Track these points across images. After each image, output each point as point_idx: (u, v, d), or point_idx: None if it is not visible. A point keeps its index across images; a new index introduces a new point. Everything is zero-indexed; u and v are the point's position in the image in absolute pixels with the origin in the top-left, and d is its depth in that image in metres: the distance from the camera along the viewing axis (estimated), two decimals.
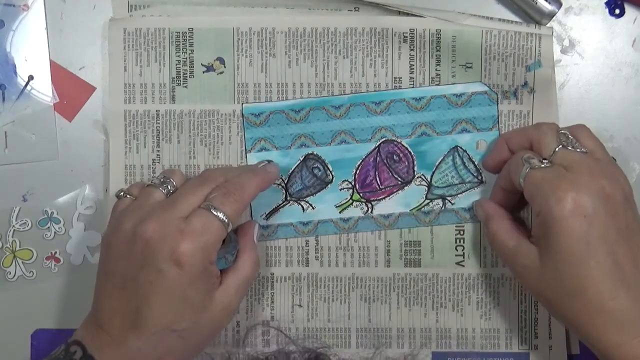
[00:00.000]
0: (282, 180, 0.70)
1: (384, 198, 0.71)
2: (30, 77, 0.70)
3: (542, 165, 0.61)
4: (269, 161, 0.69)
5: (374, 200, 0.71)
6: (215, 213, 0.60)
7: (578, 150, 0.62)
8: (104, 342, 0.59)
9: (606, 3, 0.71)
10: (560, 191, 0.59)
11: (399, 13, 0.70)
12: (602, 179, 0.60)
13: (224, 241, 0.62)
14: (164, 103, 0.71)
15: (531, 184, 0.61)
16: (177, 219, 0.59)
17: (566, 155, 0.62)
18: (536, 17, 0.70)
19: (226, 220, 0.60)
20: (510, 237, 0.64)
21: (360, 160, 0.70)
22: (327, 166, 0.70)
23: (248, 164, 0.70)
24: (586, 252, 0.58)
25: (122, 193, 0.65)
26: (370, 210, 0.71)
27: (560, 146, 0.62)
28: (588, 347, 0.61)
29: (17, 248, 0.71)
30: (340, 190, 0.71)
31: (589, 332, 0.59)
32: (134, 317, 0.58)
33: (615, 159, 0.65)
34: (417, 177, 0.70)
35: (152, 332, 0.58)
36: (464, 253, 0.71)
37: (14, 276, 0.71)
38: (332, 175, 0.71)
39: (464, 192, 0.70)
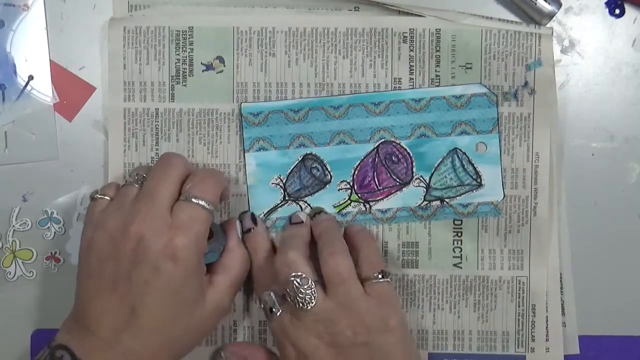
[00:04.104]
0: (281, 180, 0.71)
1: (382, 199, 0.71)
2: (30, 77, 0.70)
3: (274, 313, 0.63)
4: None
5: (372, 201, 0.71)
6: (197, 202, 0.61)
7: (305, 299, 0.62)
8: (94, 346, 0.59)
9: (606, 3, 0.71)
10: (284, 338, 0.63)
11: (399, 13, 0.70)
12: (326, 326, 0.61)
13: (211, 234, 0.64)
14: (163, 101, 0.71)
15: (269, 325, 0.65)
16: (163, 213, 0.60)
17: (291, 305, 0.62)
18: (536, 18, 0.69)
19: (208, 207, 0.61)
20: None
21: (359, 161, 0.70)
22: (325, 166, 0.71)
23: (246, 163, 0.70)
24: None
25: (97, 195, 0.65)
26: (368, 211, 0.71)
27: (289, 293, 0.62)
28: None
29: (17, 248, 0.71)
30: (339, 190, 0.71)
31: None
32: (128, 317, 0.58)
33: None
34: (416, 179, 0.70)
35: (146, 331, 0.59)
36: (461, 255, 0.71)
37: (14, 276, 0.71)
38: (331, 176, 0.71)
39: (462, 194, 0.70)
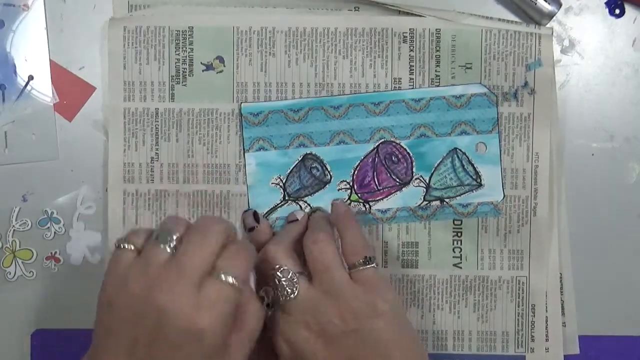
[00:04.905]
0: (281, 180, 0.71)
1: (382, 199, 0.71)
2: (30, 77, 0.70)
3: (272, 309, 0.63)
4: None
5: (372, 201, 0.71)
6: (227, 280, 0.57)
7: (290, 294, 0.62)
8: None
9: (606, 3, 0.71)
10: (278, 332, 0.62)
11: (399, 13, 0.70)
12: (313, 316, 0.61)
13: None
14: (163, 101, 0.71)
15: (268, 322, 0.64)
16: (191, 288, 0.56)
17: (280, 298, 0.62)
18: (536, 18, 0.70)
19: (237, 284, 0.57)
20: None
21: (359, 161, 0.70)
22: (325, 166, 0.71)
23: (246, 163, 0.70)
24: None
25: (122, 244, 0.59)
26: (368, 211, 0.71)
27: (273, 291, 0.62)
28: None
29: (17, 248, 0.71)
30: (339, 190, 0.71)
31: None
32: None
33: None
34: (416, 179, 0.70)
35: None
36: (461, 255, 0.71)
37: (14, 276, 0.71)
38: (331, 176, 0.71)
39: (462, 194, 0.70)
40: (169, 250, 0.57)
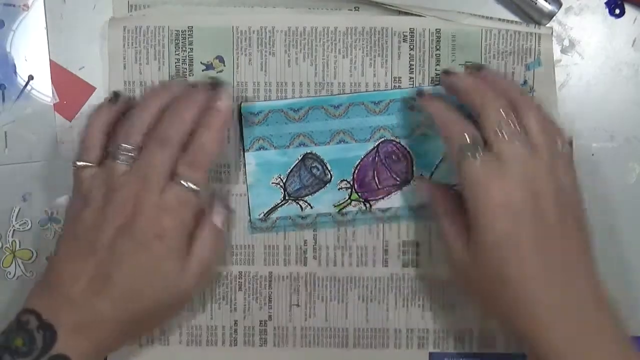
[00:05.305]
0: (281, 179, 0.71)
1: (383, 198, 0.71)
2: (30, 77, 0.70)
3: (477, 158, 0.60)
4: (213, 79, 0.66)
5: (372, 200, 0.71)
6: (186, 185, 0.61)
7: (516, 141, 0.60)
8: (62, 306, 0.59)
9: (606, 3, 0.71)
10: (489, 185, 0.59)
11: (399, 12, 0.70)
12: (535, 173, 0.59)
13: None
14: None
15: (463, 173, 0.60)
16: (152, 193, 0.60)
17: (502, 146, 0.59)
18: (536, 17, 0.70)
19: (197, 188, 0.61)
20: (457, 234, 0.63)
21: (359, 160, 0.70)
22: (325, 165, 0.71)
23: (246, 163, 0.70)
24: (510, 250, 0.58)
25: (80, 163, 0.63)
26: (368, 210, 0.71)
27: (500, 135, 0.60)
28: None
29: (17, 248, 0.71)
30: (339, 189, 0.71)
31: (519, 331, 0.60)
32: (102, 281, 0.59)
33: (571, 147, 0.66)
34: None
35: (119, 299, 0.59)
36: None
37: (14, 276, 0.71)
38: (331, 175, 0.71)
39: None
40: (127, 165, 0.61)
